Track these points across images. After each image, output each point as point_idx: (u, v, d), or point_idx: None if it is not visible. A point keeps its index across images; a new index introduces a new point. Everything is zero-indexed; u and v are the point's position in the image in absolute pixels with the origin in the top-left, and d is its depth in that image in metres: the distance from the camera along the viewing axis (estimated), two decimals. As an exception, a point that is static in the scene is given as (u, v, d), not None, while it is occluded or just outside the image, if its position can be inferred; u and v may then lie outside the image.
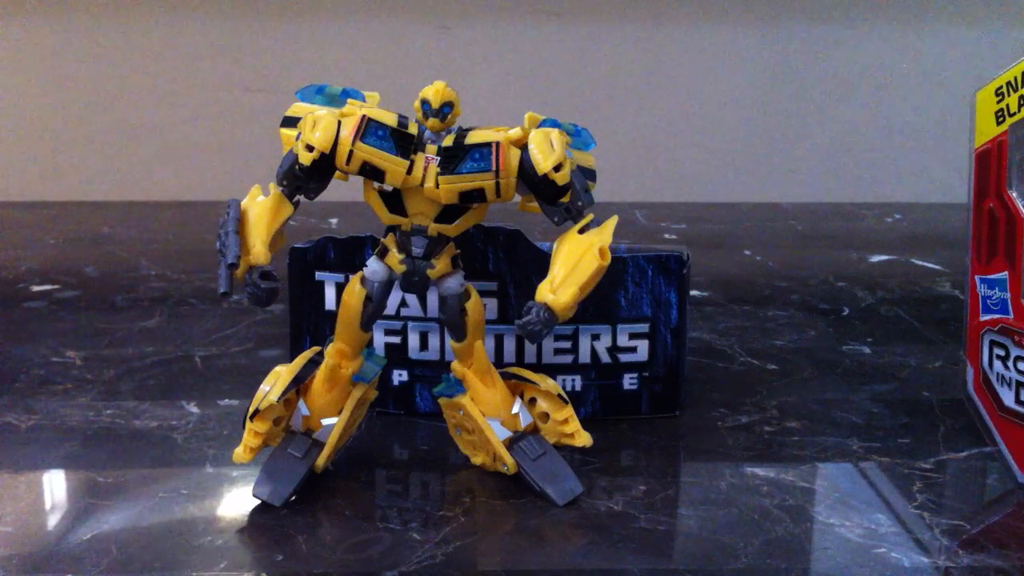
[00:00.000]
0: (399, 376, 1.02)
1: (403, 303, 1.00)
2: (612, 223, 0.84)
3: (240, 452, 0.85)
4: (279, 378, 0.86)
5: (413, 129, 0.82)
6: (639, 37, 2.07)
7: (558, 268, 0.81)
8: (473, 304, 0.87)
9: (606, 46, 2.07)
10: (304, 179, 0.83)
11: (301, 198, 0.85)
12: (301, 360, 0.88)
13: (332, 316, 0.91)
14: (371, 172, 0.82)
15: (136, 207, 2.02)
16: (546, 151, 0.81)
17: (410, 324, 1.01)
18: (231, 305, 1.37)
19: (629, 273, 0.99)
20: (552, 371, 0.98)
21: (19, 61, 2.02)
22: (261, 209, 0.83)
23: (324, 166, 0.82)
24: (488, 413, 0.88)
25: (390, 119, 0.82)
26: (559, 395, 0.89)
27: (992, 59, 2.02)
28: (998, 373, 0.91)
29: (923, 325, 1.34)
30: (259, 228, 0.82)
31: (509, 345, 1.00)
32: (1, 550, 0.78)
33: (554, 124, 0.84)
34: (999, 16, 2.08)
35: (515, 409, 0.89)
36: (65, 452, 0.95)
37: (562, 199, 0.83)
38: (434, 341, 1.01)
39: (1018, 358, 0.89)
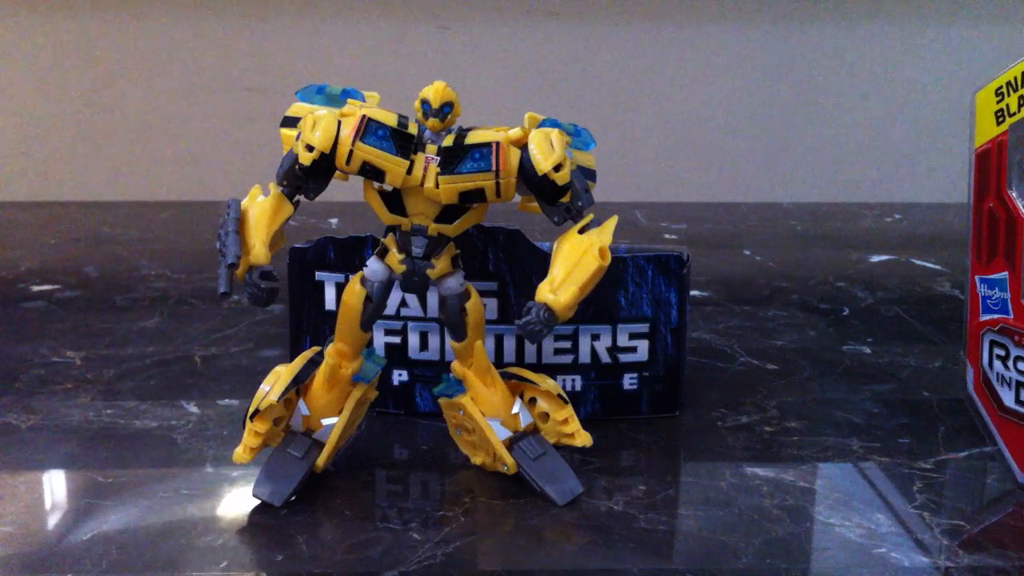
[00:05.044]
0: (399, 376, 1.02)
1: (403, 303, 1.00)
2: (612, 223, 0.84)
3: (240, 452, 0.85)
4: (279, 378, 0.86)
5: (413, 129, 0.82)
6: (639, 37, 2.07)
7: (558, 268, 0.81)
8: (473, 304, 0.87)
9: (606, 46, 2.07)
10: (304, 179, 0.83)
11: (301, 198, 0.85)
12: (301, 360, 0.88)
13: (332, 316, 0.91)
14: (371, 172, 0.82)
15: (136, 207, 2.02)
16: (546, 151, 0.81)
17: (410, 324, 1.01)
18: (231, 305, 1.37)
19: (629, 273, 0.99)
20: (552, 371, 0.98)
21: (18, 61, 2.02)
22: (261, 209, 0.83)
23: (324, 166, 0.82)
24: (488, 413, 0.88)
25: (390, 119, 0.82)
26: (559, 395, 0.89)
27: (992, 59, 2.02)
28: (998, 373, 0.91)
29: (923, 325, 1.34)
30: (259, 228, 0.82)
31: (509, 345, 1.00)
32: (1, 550, 0.78)
33: (554, 124, 0.84)
34: (999, 16, 2.08)
35: (515, 409, 0.89)
36: (65, 452, 0.95)
37: (562, 199, 0.82)
38: (434, 341, 1.01)
39: (1018, 358, 0.89)
